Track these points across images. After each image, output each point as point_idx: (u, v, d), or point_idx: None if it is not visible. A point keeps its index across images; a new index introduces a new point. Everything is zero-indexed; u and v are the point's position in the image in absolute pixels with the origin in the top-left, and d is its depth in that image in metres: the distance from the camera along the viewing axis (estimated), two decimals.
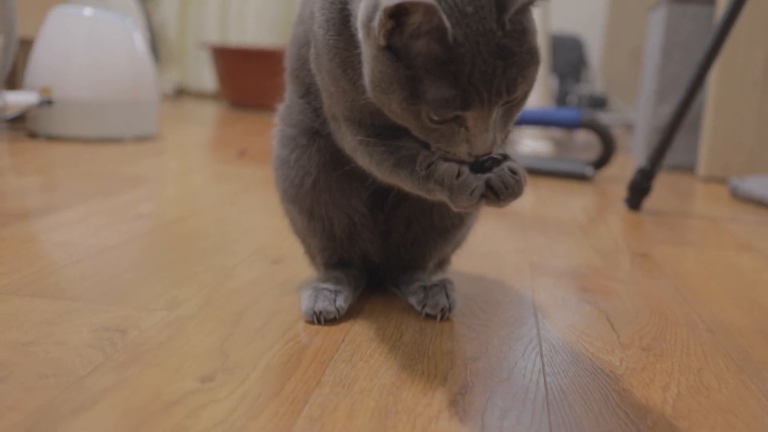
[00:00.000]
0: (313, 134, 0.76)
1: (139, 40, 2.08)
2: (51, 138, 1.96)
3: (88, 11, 2.00)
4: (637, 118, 2.45)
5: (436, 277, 0.82)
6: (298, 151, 0.77)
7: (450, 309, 0.76)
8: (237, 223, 1.15)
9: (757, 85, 1.89)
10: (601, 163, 1.85)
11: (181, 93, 4.25)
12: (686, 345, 0.73)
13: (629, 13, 3.50)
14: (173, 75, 4.18)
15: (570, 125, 1.85)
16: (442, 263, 0.86)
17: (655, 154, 1.45)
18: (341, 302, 0.75)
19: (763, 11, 1.84)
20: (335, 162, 0.75)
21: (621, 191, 1.71)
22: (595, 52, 3.91)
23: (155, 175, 1.55)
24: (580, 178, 1.81)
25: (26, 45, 2.28)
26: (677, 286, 0.94)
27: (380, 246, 0.81)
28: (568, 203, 1.53)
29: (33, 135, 1.99)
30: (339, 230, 0.79)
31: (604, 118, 3.23)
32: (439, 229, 0.80)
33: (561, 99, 3.53)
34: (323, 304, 0.74)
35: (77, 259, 0.90)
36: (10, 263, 0.87)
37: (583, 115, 1.84)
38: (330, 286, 0.77)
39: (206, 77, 4.13)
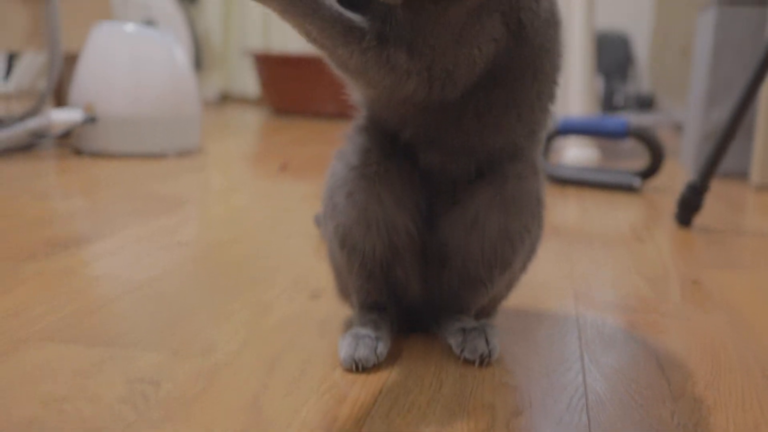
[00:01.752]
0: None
1: (181, 55, 2.08)
2: (95, 154, 1.97)
3: (129, 27, 2.01)
4: (686, 120, 2.39)
5: (478, 320, 0.79)
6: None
7: (490, 355, 0.73)
8: (276, 250, 1.14)
9: None
10: (649, 173, 1.80)
11: (224, 99, 4.28)
12: (741, 395, 0.69)
13: (678, 8, 3.41)
14: (217, 81, 4.21)
15: (617, 135, 1.80)
16: (488, 310, 0.83)
17: (706, 168, 1.40)
18: (382, 349, 0.73)
19: None
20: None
21: (669, 203, 1.66)
22: (642, 50, 3.83)
23: (195, 195, 1.55)
24: (628, 189, 1.76)
25: (72, 60, 2.31)
26: (731, 320, 0.90)
27: (420, 286, 0.79)
28: (615, 217, 1.49)
29: (78, 152, 2.01)
30: (377, 263, 0.77)
31: (651, 119, 3.16)
32: (475, 280, 0.77)
33: (607, 99, 3.46)
34: (363, 352, 0.72)
35: (115, 296, 0.90)
36: (49, 302, 0.87)
37: (630, 124, 1.79)
38: (370, 332, 0.75)
39: (249, 83, 4.15)
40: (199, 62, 3.88)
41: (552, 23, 0.74)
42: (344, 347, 0.73)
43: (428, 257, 0.77)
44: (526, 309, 0.92)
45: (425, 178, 0.77)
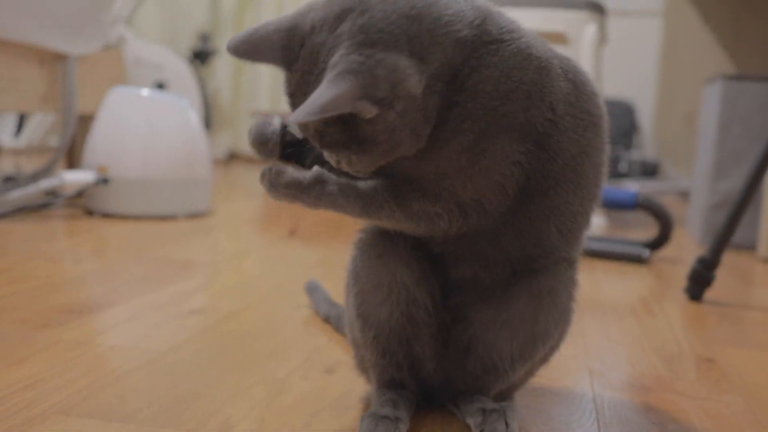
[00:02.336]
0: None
1: (195, 120, 2.11)
2: (107, 215, 1.99)
3: (145, 92, 2.04)
4: (692, 188, 2.40)
5: (499, 401, 0.79)
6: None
7: None
8: (288, 320, 1.14)
9: None
10: (657, 244, 1.81)
11: (232, 158, 4.32)
12: None
13: (682, 77, 3.47)
14: (226, 140, 4.26)
15: (626, 207, 1.81)
16: (506, 394, 0.82)
17: (717, 243, 1.40)
18: (402, 429, 0.73)
19: None
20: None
21: (678, 273, 1.66)
22: (646, 117, 3.87)
23: (207, 259, 1.55)
24: (636, 260, 1.76)
25: (86, 121, 2.34)
26: (748, 402, 0.90)
27: (436, 365, 0.79)
28: (625, 289, 1.49)
29: (89, 212, 2.03)
30: (394, 335, 0.77)
31: (656, 186, 3.18)
32: (498, 369, 0.77)
33: (612, 166, 3.49)
34: None
35: (130, 368, 0.89)
36: (66, 373, 0.86)
37: (638, 196, 1.80)
38: (389, 412, 0.74)
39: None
40: (208, 121, 3.93)
41: (590, 124, 0.72)
42: (364, 429, 0.72)
43: (450, 341, 0.77)
44: (543, 387, 0.91)
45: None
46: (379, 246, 0.76)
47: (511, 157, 0.67)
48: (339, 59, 0.60)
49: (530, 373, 0.82)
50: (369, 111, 0.60)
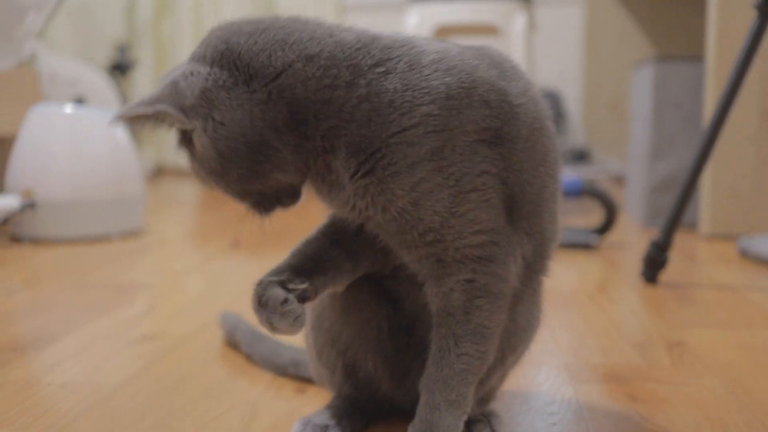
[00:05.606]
0: None
1: (122, 134, 2.03)
2: (36, 241, 1.88)
3: (68, 109, 1.95)
4: (627, 172, 2.43)
5: (481, 408, 0.76)
6: None
7: None
8: None
9: (753, 140, 1.87)
10: (604, 229, 1.82)
11: (159, 172, 4.20)
12: None
13: (606, 63, 3.52)
14: (152, 154, 4.13)
15: (572, 194, 1.81)
16: (486, 397, 0.79)
17: (668, 226, 1.41)
18: None
19: (755, 66, 1.83)
20: None
21: (627, 257, 1.67)
22: (573, 105, 3.93)
23: (150, 281, 1.48)
24: (585, 247, 1.77)
25: (4, 143, 2.22)
26: (727, 384, 0.89)
27: (406, 382, 0.75)
28: (582, 278, 1.49)
29: (16, 239, 1.92)
30: (347, 353, 0.74)
31: (590, 171, 3.22)
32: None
33: None
34: None
35: (86, 406, 0.83)
36: (16, 419, 0.79)
37: (584, 183, 1.80)
38: (323, 420, 0.72)
39: (185, 154, 4.07)
40: (132, 136, 3.80)
41: (528, 99, 0.67)
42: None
43: (420, 358, 0.73)
44: (522, 389, 0.89)
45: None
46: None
47: (470, 168, 0.62)
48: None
49: (505, 375, 0.78)
50: (179, 119, 0.61)
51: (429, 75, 0.61)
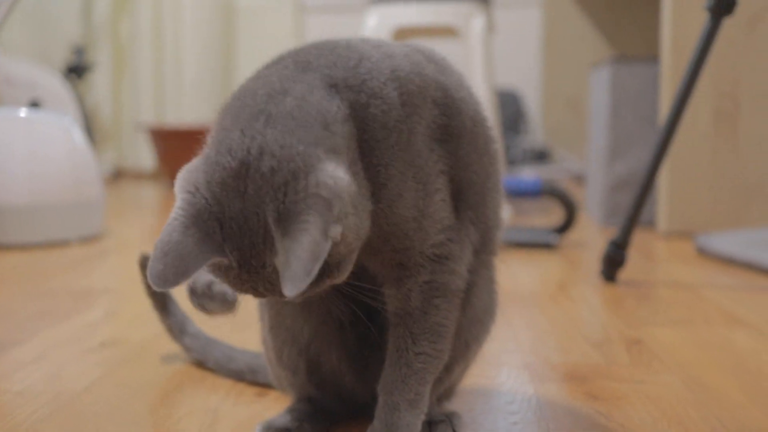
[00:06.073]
0: None
1: (80, 138, 2.00)
2: None
3: (23, 112, 1.91)
4: (587, 171, 2.46)
5: (441, 409, 0.76)
6: None
7: None
8: None
9: (707, 139, 1.91)
10: (564, 228, 1.84)
11: (118, 175, 4.15)
12: None
13: (565, 63, 3.56)
14: (109, 156, 4.08)
15: (532, 194, 1.83)
16: (447, 393, 0.80)
17: (626, 225, 1.43)
18: None
19: (708, 67, 1.87)
20: None
21: (587, 256, 1.69)
22: (532, 105, 3.96)
23: (108, 286, 1.46)
24: (546, 247, 1.78)
25: None
26: (684, 381, 0.91)
27: (365, 381, 0.75)
28: (542, 277, 1.50)
29: None
30: (306, 353, 0.74)
31: (551, 171, 3.25)
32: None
33: (505, 154, 3.55)
34: None
35: (44, 415, 0.82)
36: None
37: (543, 182, 1.82)
38: (284, 422, 0.72)
39: (144, 156, 4.03)
40: (89, 138, 3.75)
41: (468, 97, 0.69)
42: None
43: (377, 356, 0.73)
44: (483, 388, 0.89)
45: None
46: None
47: (432, 169, 0.63)
48: (285, 207, 0.53)
49: (466, 369, 0.79)
50: (338, 233, 0.54)
51: (385, 83, 0.61)
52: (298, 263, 0.50)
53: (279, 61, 0.63)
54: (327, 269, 0.56)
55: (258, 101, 0.57)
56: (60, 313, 1.24)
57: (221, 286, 0.63)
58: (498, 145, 0.73)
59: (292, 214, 0.52)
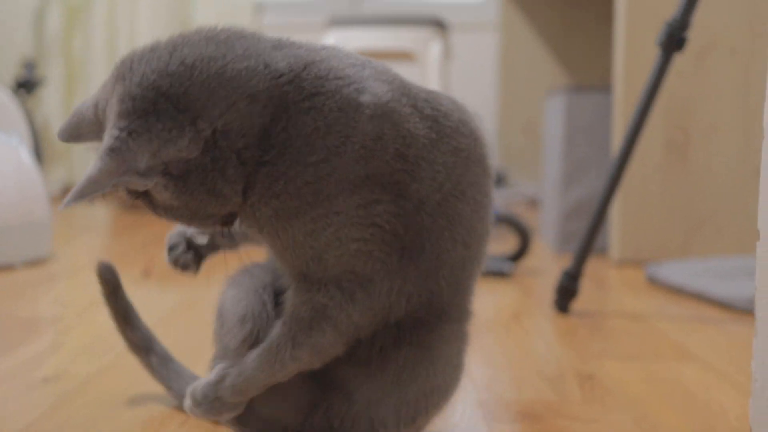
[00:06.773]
0: None
1: (27, 158, 1.95)
2: None
3: None
4: (542, 198, 2.49)
5: None
6: None
7: None
8: None
9: (659, 169, 1.94)
10: (518, 256, 1.84)
11: (67, 194, 4.06)
12: None
13: (521, 88, 3.60)
14: (60, 174, 3.99)
15: None
16: None
17: (579, 255, 1.44)
18: None
19: (660, 100, 1.90)
20: None
21: (541, 284, 1.70)
22: (489, 129, 4.00)
23: (54, 314, 1.42)
24: (500, 275, 1.79)
25: None
26: (635, 419, 0.91)
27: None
28: (496, 306, 1.50)
29: None
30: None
31: (506, 195, 3.28)
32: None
33: None
34: None
35: None
36: None
37: (498, 211, 1.83)
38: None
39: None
40: (39, 156, 3.67)
41: (458, 161, 0.67)
42: None
43: (332, 414, 0.72)
44: (437, 430, 0.88)
45: None
46: (242, 283, 0.75)
47: (363, 219, 0.62)
48: (105, 137, 0.60)
49: (426, 422, 0.77)
50: (139, 184, 0.60)
51: (353, 118, 0.61)
52: (77, 185, 0.58)
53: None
54: (157, 209, 0.65)
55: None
56: (1, 345, 1.20)
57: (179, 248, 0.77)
58: (486, 226, 0.72)
59: (102, 146, 0.60)
